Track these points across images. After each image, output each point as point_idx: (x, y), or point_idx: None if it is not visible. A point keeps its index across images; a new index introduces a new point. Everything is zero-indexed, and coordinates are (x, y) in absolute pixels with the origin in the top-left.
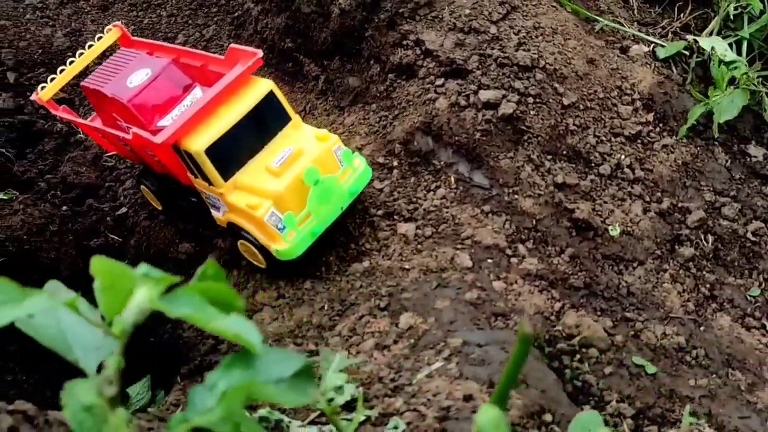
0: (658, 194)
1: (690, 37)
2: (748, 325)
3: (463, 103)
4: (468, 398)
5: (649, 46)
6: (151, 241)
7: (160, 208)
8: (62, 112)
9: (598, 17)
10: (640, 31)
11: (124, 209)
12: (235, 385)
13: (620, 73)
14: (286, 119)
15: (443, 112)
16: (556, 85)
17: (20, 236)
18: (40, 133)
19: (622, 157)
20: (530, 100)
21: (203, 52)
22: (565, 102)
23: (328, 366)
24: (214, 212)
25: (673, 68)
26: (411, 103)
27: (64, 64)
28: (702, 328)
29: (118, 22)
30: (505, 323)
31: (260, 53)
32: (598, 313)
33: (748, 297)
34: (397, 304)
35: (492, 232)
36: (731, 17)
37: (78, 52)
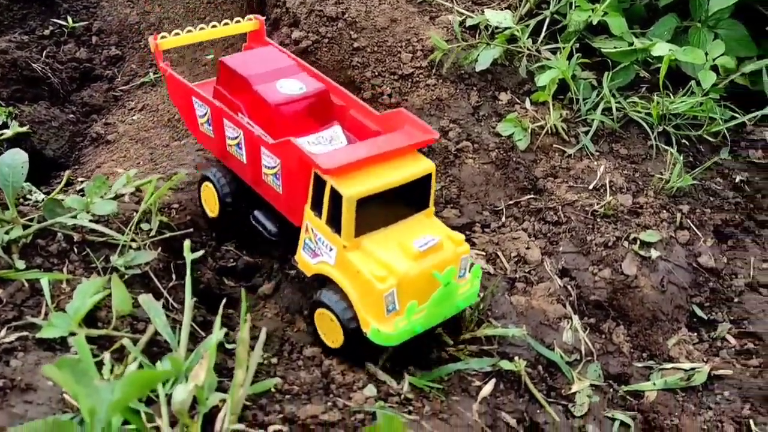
0: None
1: (487, 11)
2: None
3: (287, 42)
4: None
5: (461, 17)
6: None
7: (214, 215)
8: (165, 65)
9: None
10: (468, 8)
11: (112, 118)
12: None
13: (414, 31)
14: (426, 205)
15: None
16: (352, 33)
17: (33, 121)
18: (96, 77)
19: (387, 88)
20: (326, 41)
21: (350, 94)
22: (356, 45)
23: None
24: (305, 254)
25: (477, 35)
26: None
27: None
28: None
29: (262, 17)
30: None
31: (437, 135)
32: None
33: None
34: None
35: None
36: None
37: (211, 24)
